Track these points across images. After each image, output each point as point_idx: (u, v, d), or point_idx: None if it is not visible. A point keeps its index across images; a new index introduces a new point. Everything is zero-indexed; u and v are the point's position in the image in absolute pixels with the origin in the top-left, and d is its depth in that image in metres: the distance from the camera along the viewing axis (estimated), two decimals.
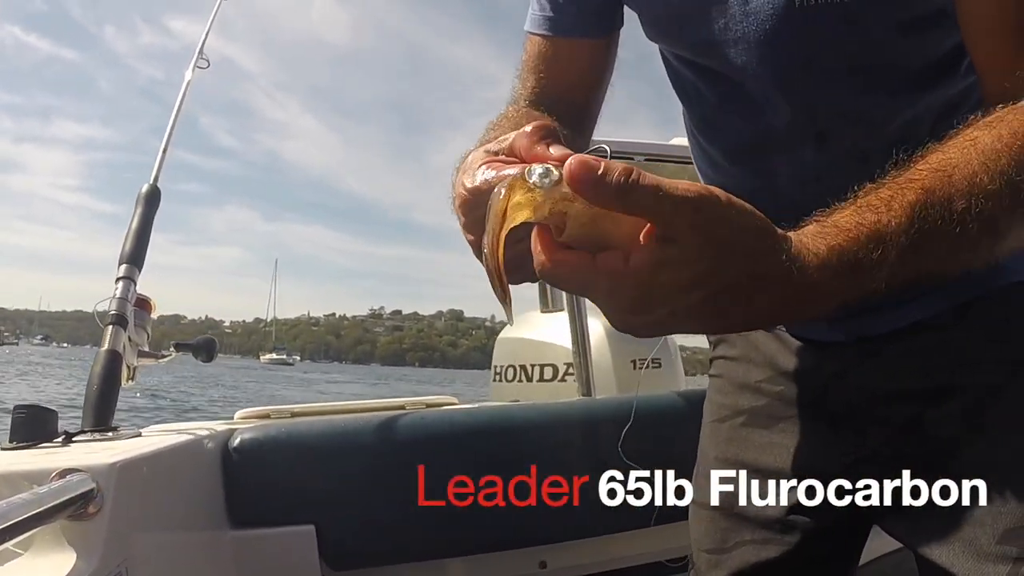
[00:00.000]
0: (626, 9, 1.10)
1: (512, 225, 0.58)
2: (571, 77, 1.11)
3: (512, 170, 0.63)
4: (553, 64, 1.10)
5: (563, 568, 1.88)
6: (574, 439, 1.86)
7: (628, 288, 0.57)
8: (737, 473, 1.12)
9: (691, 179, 0.65)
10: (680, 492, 1.80)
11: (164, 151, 1.92)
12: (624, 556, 1.93)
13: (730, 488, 1.13)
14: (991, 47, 0.83)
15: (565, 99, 1.07)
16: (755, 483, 1.10)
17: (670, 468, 1.84)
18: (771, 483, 1.08)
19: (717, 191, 0.57)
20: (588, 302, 2.62)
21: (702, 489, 1.18)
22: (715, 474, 1.15)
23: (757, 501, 1.09)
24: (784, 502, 1.07)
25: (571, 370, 2.90)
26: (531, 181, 0.58)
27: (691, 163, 1.18)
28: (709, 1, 0.95)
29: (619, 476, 1.84)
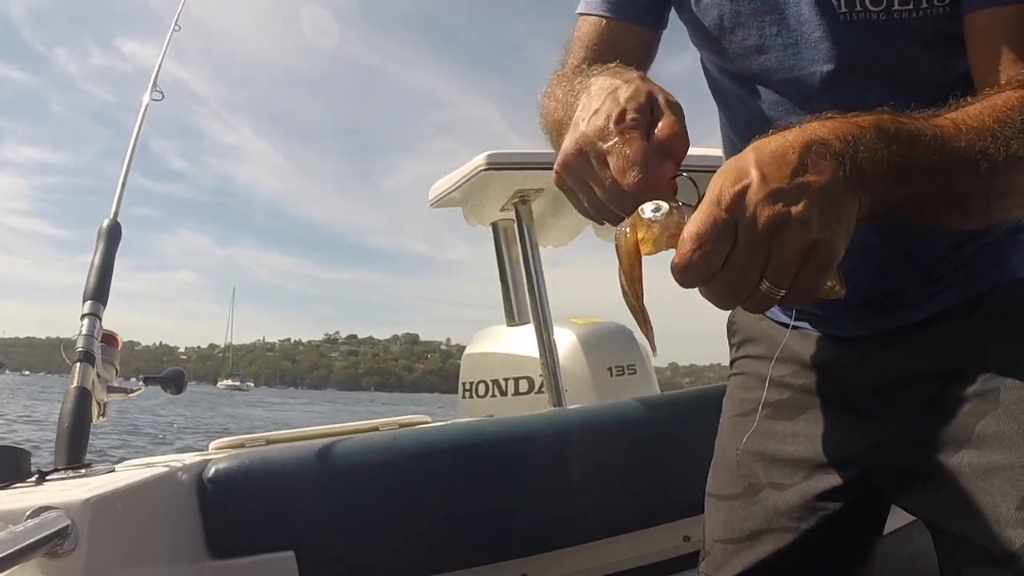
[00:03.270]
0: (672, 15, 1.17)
1: (640, 260, 0.70)
2: (621, 61, 1.15)
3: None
4: (607, 44, 1.15)
5: None
6: (548, 450, 1.87)
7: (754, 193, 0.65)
8: (759, 463, 1.17)
9: None
10: (660, 494, 1.83)
11: (123, 184, 1.91)
12: (609, 563, 1.94)
13: (751, 479, 1.17)
14: (987, 66, 0.92)
15: None
16: (777, 472, 1.15)
17: (646, 472, 1.87)
18: (793, 471, 1.13)
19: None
20: (553, 312, 2.64)
21: (720, 481, 1.24)
22: (735, 465, 1.20)
23: (779, 490, 1.14)
24: (806, 489, 1.12)
25: None
26: (647, 217, 0.69)
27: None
28: (763, 10, 1.02)
29: (596, 482, 1.87)
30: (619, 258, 0.71)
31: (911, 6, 0.94)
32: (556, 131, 0.99)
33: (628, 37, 1.15)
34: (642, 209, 0.69)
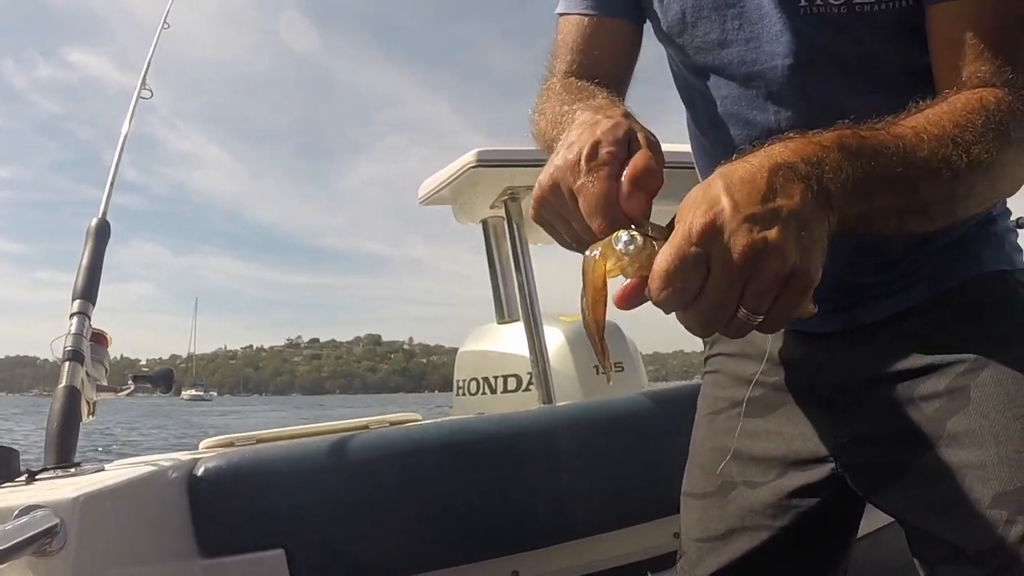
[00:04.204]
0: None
1: (605, 290, 0.70)
2: (608, 59, 1.15)
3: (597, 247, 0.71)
4: (592, 43, 1.15)
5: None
6: (538, 446, 1.87)
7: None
8: (732, 461, 1.16)
9: (692, 182, 0.78)
10: (650, 490, 1.83)
11: (111, 184, 1.91)
12: (599, 559, 1.94)
13: (724, 477, 1.17)
14: (948, 60, 0.92)
15: (602, 83, 1.11)
16: (750, 470, 1.15)
17: (636, 468, 1.88)
18: (767, 469, 1.13)
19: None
20: (543, 309, 2.64)
21: (695, 479, 1.24)
22: (709, 464, 1.20)
23: (752, 488, 1.14)
24: (779, 487, 1.12)
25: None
26: (618, 249, 0.68)
27: (692, 167, 1.25)
28: (724, 3, 1.03)
29: (586, 479, 1.87)
30: (584, 283, 0.70)
31: (872, 0, 0.95)
32: (548, 151, 1.00)
33: (613, 33, 1.15)
34: (616, 237, 0.69)
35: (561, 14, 1.19)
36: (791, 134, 0.75)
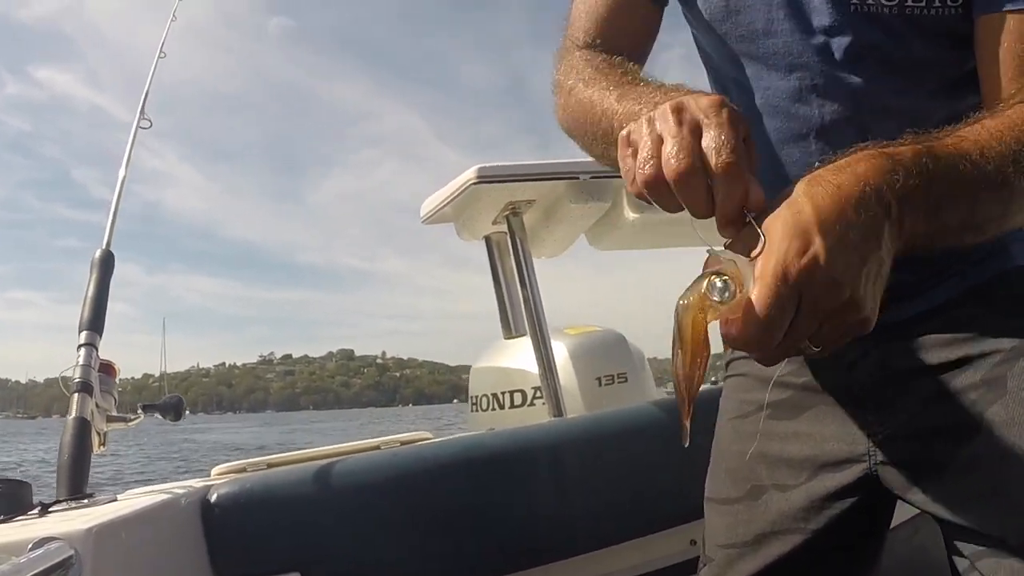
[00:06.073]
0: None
1: (708, 345, 0.68)
2: (626, 39, 1.14)
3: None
4: (615, 17, 1.14)
5: None
6: (550, 460, 1.87)
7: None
8: (761, 465, 1.15)
9: None
10: (665, 498, 1.82)
11: (114, 215, 1.92)
12: (616, 571, 1.93)
13: (754, 481, 1.15)
14: (997, 72, 0.92)
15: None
16: (781, 473, 1.13)
17: (649, 478, 1.87)
18: (798, 472, 1.11)
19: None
20: (550, 323, 2.64)
21: (720, 484, 1.22)
22: (737, 468, 1.18)
23: (783, 491, 1.12)
24: (811, 490, 1.10)
25: (539, 394, 2.90)
26: (715, 299, 0.67)
27: None
28: None
29: (599, 491, 1.86)
30: (681, 339, 0.68)
31: (923, 3, 0.94)
32: (596, 138, 1.00)
33: (636, 11, 1.15)
34: (710, 286, 0.67)
35: None
36: (865, 145, 0.75)
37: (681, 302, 0.68)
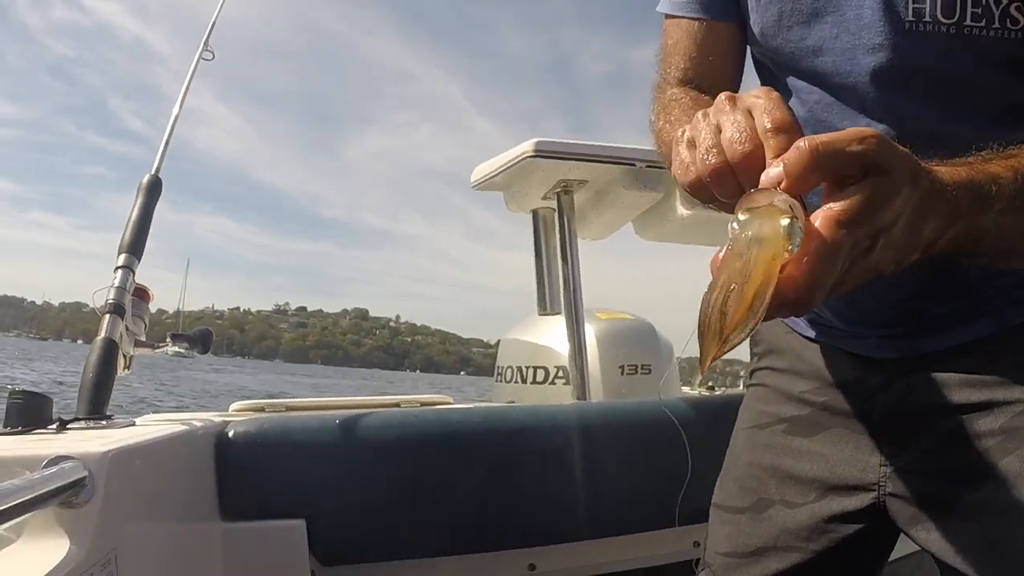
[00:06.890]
0: None
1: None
2: (719, 64, 1.14)
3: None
4: (705, 48, 1.14)
5: (552, 572, 1.88)
6: (567, 443, 1.86)
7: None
8: (771, 479, 1.14)
9: None
10: (675, 497, 1.81)
11: (167, 142, 1.92)
12: (616, 560, 1.93)
13: (761, 494, 1.15)
14: None
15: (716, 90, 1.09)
16: (789, 490, 1.12)
17: (662, 474, 1.86)
18: (807, 490, 1.10)
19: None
20: (585, 304, 2.63)
21: (728, 492, 1.21)
22: (746, 479, 1.18)
23: (789, 508, 1.11)
24: (817, 510, 1.09)
25: (560, 374, 2.91)
26: (794, 241, 0.59)
27: None
28: (825, 10, 0.99)
29: (612, 480, 1.85)
30: (749, 275, 0.59)
31: (983, 23, 0.90)
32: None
33: (723, 36, 1.14)
34: (791, 228, 0.60)
35: (667, 15, 1.17)
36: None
37: (746, 233, 0.61)
